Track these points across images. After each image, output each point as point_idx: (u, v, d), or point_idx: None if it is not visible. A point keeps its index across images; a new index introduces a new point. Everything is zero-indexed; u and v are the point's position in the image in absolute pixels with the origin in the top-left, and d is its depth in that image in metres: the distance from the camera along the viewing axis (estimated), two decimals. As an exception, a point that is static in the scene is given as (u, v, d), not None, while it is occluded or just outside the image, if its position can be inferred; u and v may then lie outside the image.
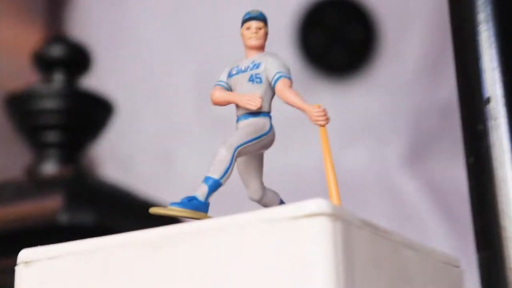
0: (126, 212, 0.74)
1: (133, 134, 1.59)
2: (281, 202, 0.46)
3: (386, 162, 1.61)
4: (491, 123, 0.42)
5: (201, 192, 0.43)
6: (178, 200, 0.44)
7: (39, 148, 0.78)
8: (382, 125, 1.63)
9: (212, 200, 0.44)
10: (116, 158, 1.71)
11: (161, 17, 1.69)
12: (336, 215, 0.37)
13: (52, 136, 0.78)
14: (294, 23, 1.59)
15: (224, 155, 0.43)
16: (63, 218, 0.69)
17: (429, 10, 1.65)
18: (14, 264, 0.43)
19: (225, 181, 0.43)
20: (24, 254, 0.43)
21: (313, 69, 1.59)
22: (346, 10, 1.62)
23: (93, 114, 0.80)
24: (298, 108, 0.43)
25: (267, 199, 0.46)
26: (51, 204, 0.70)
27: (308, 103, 0.43)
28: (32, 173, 0.77)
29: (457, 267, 0.46)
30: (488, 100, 0.43)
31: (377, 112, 1.62)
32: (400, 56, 1.64)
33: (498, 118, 0.42)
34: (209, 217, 0.42)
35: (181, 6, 1.68)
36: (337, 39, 1.63)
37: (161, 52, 1.69)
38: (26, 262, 0.42)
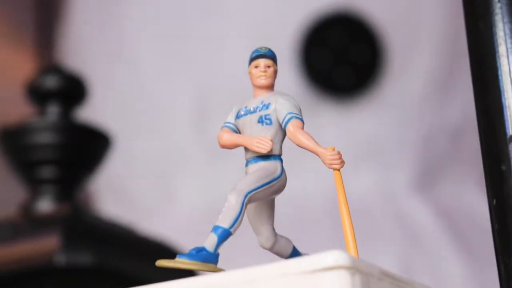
0: (126, 252, 0.73)
1: (130, 165, 1.59)
2: (294, 250, 0.46)
3: (394, 187, 1.61)
4: None
5: (210, 242, 0.42)
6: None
7: (34, 185, 0.77)
8: (389, 148, 1.63)
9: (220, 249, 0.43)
10: (113, 190, 1.71)
11: (157, 42, 1.70)
12: (355, 268, 0.37)
13: (47, 172, 0.77)
14: (297, 43, 1.59)
15: (233, 202, 0.42)
16: (61, 259, 0.68)
17: (437, 30, 1.65)
18: None
19: (235, 230, 0.42)
20: None
21: (317, 90, 1.59)
22: (351, 29, 1.62)
23: (89, 147, 0.80)
24: (312, 151, 0.43)
25: (280, 246, 0.45)
26: (47, 244, 0.70)
27: (321, 146, 0.43)
28: (27, 211, 0.76)
29: None
30: (511, 139, 0.42)
31: (384, 134, 1.62)
32: (408, 76, 1.64)
33: None
34: (219, 269, 0.42)
35: (177, 31, 1.68)
36: (342, 59, 1.63)
37: (158, 78, 1.69)
38: None
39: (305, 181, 1.43)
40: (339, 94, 1.62)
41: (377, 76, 1.62)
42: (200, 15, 1.67)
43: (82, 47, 1.78)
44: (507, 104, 0.43)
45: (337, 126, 1.57)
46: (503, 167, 0.43)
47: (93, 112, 0.99)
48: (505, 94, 0.43)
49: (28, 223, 0.73)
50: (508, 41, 0.44)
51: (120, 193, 1.71)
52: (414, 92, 1.64)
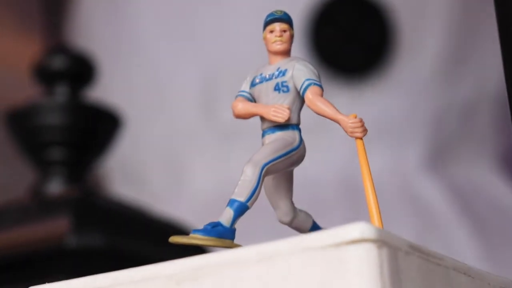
0: (139, 233, 0.74)
1: (140, 147, 1.61)
2: (315, 224, 0.45)
3: (407, 166, 1.62)
4: None
5: (226, 217, 0.41)
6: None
7: (44, 167, 0.78)
8: (400, 127, 1.63)
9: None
10: (124, 173, 1.73)
11: (166, 24, 1.71)
12: (382, 241, 0.36)
13: (57, 154, 0.77)
14: (306, 22, 1.60)
15: (250, 174, 0.40)
16: (71, 241, 0.68)
17: (446, 8, 1.65)
18: None
19: (252, 203, 0.41)
20: None
21: (327, 69, 1.60)
22: (360, 8, 1.63)
23: (99, 128, 0.80)
24: (332, 119, 0.42)
25: (299, 221, 0.44)
26: (58, 227, 0.69)
27: (342, 113, 0.42)
28: (36, 193, 0.77)
29: None
30: None
31: (395, 114, 1.62)
32: (418, 55, 1.64)
33: None
34: (236, 244, 0.41)
35: (186, 13, 1.69)
36: (352, 38, 1.63)
37: (166, 59, 1.69)
38: None
39: (317, 162, 1.43)
40: (349, 73, 1.62)
41: (387, 55, 1.63)
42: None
43: (91, 28, 1.79)
44: None
45: (347, 105, 1.57)
46: None
47: (102, 92, 0.98)
48: None
49: (38, 205, 0.74)
50: None
51: (131, 175, 1.72)
52: (424, 71, 1.64)
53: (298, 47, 1.55)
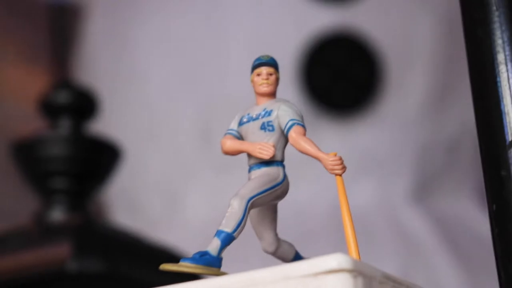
0: (137, 259, 0.74)
1: (140, 177, 1.60)
2: (297, 254, 0.45)
3: (393, 199, 1.61)
4: None
5: (213, 246, 0.41)
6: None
7: (47, 195, 0.78)
8: (387, 162, 1.63)
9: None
10: (124, 202, 1.71)
11: (166, 62, 1.70)
12: (358, 271, 0.36)
13: (59, 183, 0.77)
14: (298, 61, 1.60)
15: (236, 207, 0.41)
16: (72, 266, 0.68)
17: (432, 47, 1.66)
18: None
19: (238, 234, 0.41)
20: None
21: (317, 106, 1.60)
22: (349, 48, 1.63)
23: (100, 159, 0.80)
24: (313, 156, 0.42)
25: (283, 251, 0.45)
26: (59, 252, 0.69)
27: (323, 152, 0.42)
28: (39, 220, 0.77)
29: None
30: (510, 145, 0.42)
31: (382, 148, 1.63)
32: (405, 92, 1.64)
33: None
34: (223, 272, 0.41)
35: (183, 52, 1.68)
36: (341, 76, 1.63)
37: (165, 94, 1.68)
38: None
39: (305, 190, 1.43)
40: (339, 110, 1.62)
41: (375, 92, 1.63)
42: (205, 36, 1.68)
43: (94, 66, 1.78)
44: (506, 110, 0.43)
45: (336, 140, 1.57)
46: (503, 173, 0.42)
47: (103, 126, 0.99)
48: (504, 100, 0.43)
49: (41, 231, 0.74)
50: (507, 48, 0.44)
51: (130, 204, 1.71)
52: (411, 107, 1.65)
53: (291, 85, 1.56)
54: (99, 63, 1.77)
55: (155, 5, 1.73)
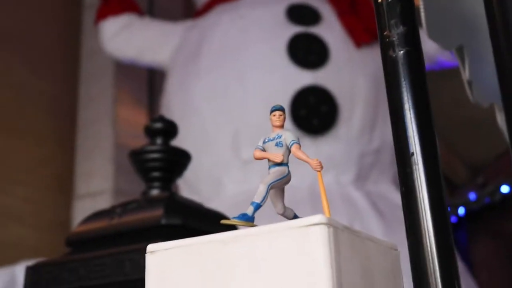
0: (200, 217, 0.72)
1: (195, 171, 1.55)
2: (295, 215, 0.45)
3: (343, 184, 1.61)
4: (414, 167, 0.41)
5: (249, 210, 0.41)
6: (233, 213, 0.44)
7: (149, 181, 0.76)
8: (341, 163, 1.63)
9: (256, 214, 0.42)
10: (187, 185, 1.70)
11: (211, 102, 1.68)
12: (330, 224, 0.37)
13: (156, 174, 0.76)
14: (289, 103, 1.59)
15: (262, 189, 0.42)
16: (164, 221, 0.67)
17: (367, 92, 1.65)
18: (144, 248, 0.42)
19: (263, 203, 0.42)
20: (150, 247, 0.42)
21: (300, 130, 1.58)
22: (318, 94, 1.61)
23: (178, 160, 0.78)
24: (304, 161, 0.42)
25: (287, 213, 0.44)
26: (156, 213, 0.68)
27: (309, 158, 0.42)
28: (146, 195, 0.75)
29: (396, 250, 0.44)
30: (411, 154, 0.42)
31: (337, 155, 1.62)
32: (350, 120, 1.64)
33: (417, 164, 0.41)
34: (255, 225, 0.41)
35: (224, 96, 1.66)
36: (314, 112, 1.62)
37: (212, 123, 1.67)
38: (151, 252, 0.41)
39: (296, 178, 1.42)
40: (312, 132, 1.61)
41: (333, 121, 1.62)
42: (235, 88, 1.66)
43: (170, 106, 1.77)
44: (408, 134, 0.42)
45: (310, 150, 1.56)
46: (408, 170, 0.42)
47: (178, 141, 1.00)
48: (408, 130, 0.42)
49: (146, 202, 0.72)
50: (409, 96, 0.43)
51: (191, 187, 1.70)
52: (354, 129, 1.64)
53: (286, 118, 1.55)
54: (173, 104, 1.76)
55: (207, 67, 1.72)
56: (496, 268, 2.60)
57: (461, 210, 2.70)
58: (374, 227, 1.44)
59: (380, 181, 1.65)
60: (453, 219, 2.72)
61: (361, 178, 1.62)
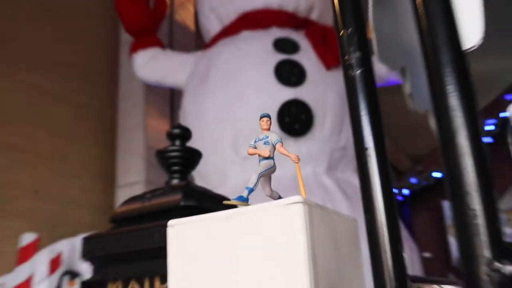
0: (210, 199, 0.71)
1: (205, 165, 1.55)
2: (280, 197, 0.44)
3: (318, 173, 1.60)
4: (368, 159, 0.40)
5: (245, 193, 0.41)
6: (234, 196, 0.43)
7: (171, 174, 0.74)
8: (315, 157, 1.62)
9: (250, 196, 0.41)
10: (199, 176, 1.69)
11: (218, 113, 1.67)
12: (306, 203, 0.36)
13: (176, 168, 0.75)
14: (276, 113, 1.57)
15: (254, 177, 0.41)
16: (182, 203, 0.66)
17: (336, 103, 1.65)
18: (165, 225, 0.41)
19: (255, 188, 0.41)
20: (170, 222, 0.41)
21: (285, 133, 1.57)
22: (298, 107, 1.60)
23: (193, 157, 0.77)
24: (286, 155, 0.41)
25: (274, 195, 0.43)
26: (176, 197, 0.67)
27: (290, 153, 0.41)
28: (168, 184, 0.74)
29: (355, 221, 0.44)
30: (366, 148, 0.41)
31: (313, 151, 1.62)
32: (323, 126, 1.63)
33: (371, 157, 0.40)
34: (249, 204, 0.40)
35: (228, 109, 1.64)
36: (295, 120, 1.61)
37: (217, 125, 1.66)
38: (171, 226, 0.41)
39: (280, 168, 1.41)
40: (294, 135, 1.60)
41: (310, 127, 1.61)
42: (234, 101, 1.65)
43: (186, 116, 1.75)
44: (363, 133, 0.40)
45: (293, 148, 1.56)
46: (363, 161, 0.40)
47: (192, 143, 0.98)
48: (364, 131, 0.41)
49: (168, 188, 0.71)
50: (363, 105, 0.42)
51: (201, 177, 1.69)
52: (325, 133, 1.63)
53: (274, 124, 1.54)
54: (188, 115, 1.74)
55: (214, 87, 1.70)
56: (431, 233, 2.66)
57: (406, 191, 2.73)
58: (342, 206, 1.44)
59: (346, 170, 1.64)
60: (400, 198, 2.75)
61: (331, 169, 1.62)
